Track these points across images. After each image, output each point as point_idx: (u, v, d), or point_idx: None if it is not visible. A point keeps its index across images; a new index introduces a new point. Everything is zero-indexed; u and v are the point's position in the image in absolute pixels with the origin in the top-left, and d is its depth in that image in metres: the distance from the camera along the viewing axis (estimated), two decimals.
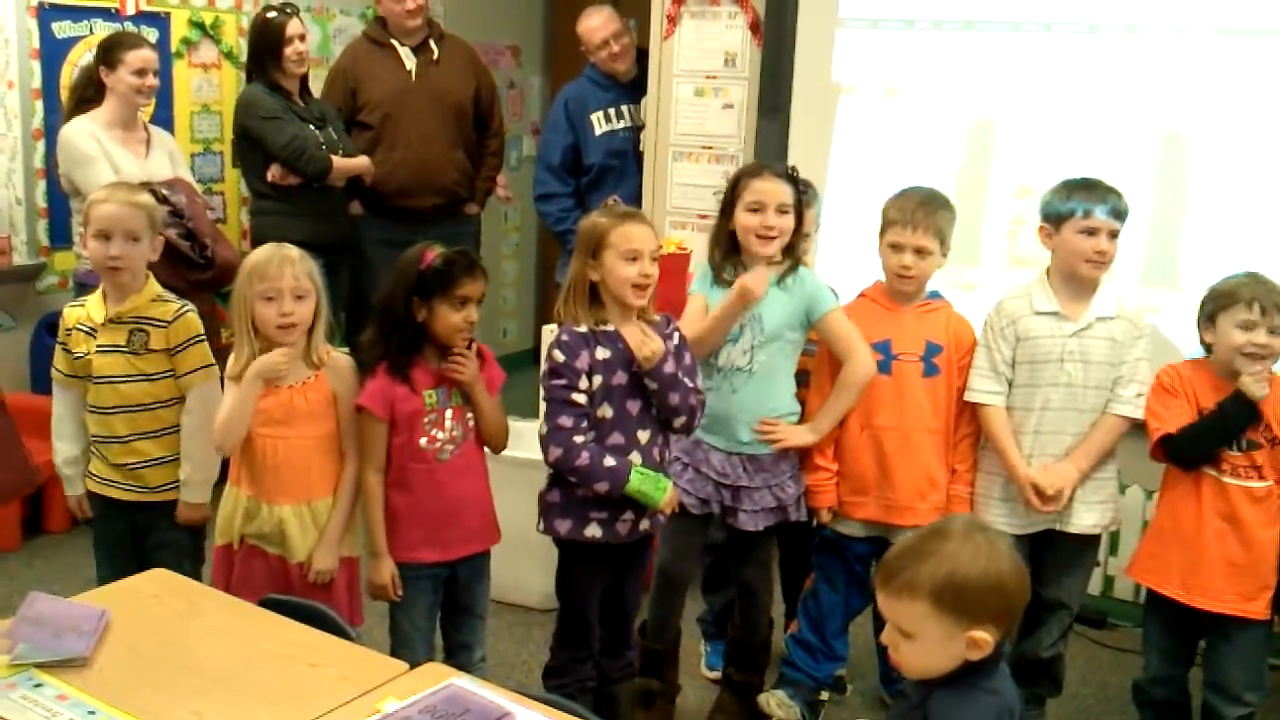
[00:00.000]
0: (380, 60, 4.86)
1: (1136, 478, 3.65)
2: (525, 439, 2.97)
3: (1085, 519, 3.00)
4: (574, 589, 2.86)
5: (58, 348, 2.97)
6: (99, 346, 2.90)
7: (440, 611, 2.87)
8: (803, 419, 3.04)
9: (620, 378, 2.69)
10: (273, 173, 4.54)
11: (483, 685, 2.01)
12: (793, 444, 2.99)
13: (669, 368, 2.70)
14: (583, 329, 2.69)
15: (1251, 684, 2.86)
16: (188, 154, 4.83)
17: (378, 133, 4.83)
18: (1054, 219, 2.95)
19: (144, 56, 4.07)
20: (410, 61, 4.86)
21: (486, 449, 2.85)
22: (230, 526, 2.74)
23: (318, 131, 4.59)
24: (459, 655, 2.88)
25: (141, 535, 3.02)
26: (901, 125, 4.14)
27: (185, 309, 2.95)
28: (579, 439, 2.66)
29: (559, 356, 2.67)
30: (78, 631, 2.09)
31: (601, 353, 2.68)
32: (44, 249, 4.59)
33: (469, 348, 2.73)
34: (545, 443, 2.69)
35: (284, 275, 2.64)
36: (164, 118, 4.79)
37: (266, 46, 4.52)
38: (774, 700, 3.18)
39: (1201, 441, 2.82)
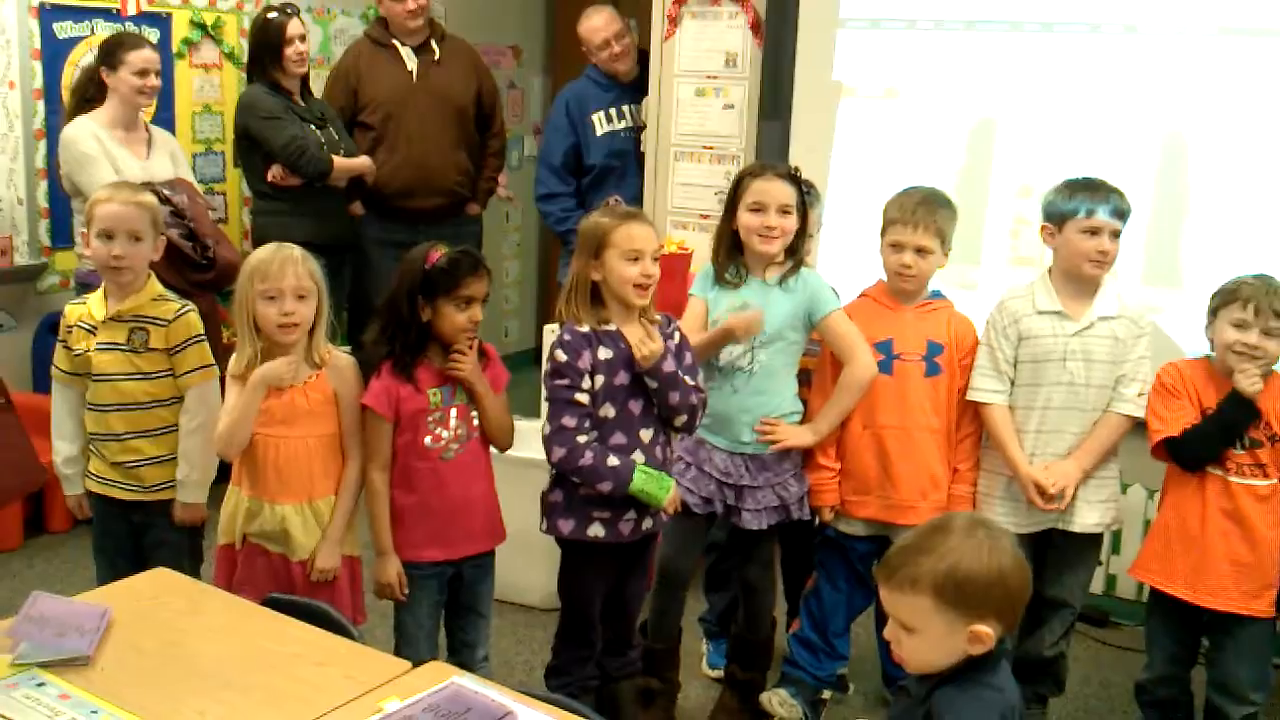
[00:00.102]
0: (382, 61, 4.87)
1: (1138, 477, 3.66)
2: (527, 438, 2.97)
3: (1088, 518, 3.00)
4: (576, 588, 2.86)
5: (58, 345, 2.98)
6: (99, 344, 2.90)
7: (444, 610, 2.87)
8: (805, 419, 3.04)
9: (622, 377, 2.69)
10: (274, 173, 4.54)
11: (485, 684, 2.01)
12: (792, 445, 2.99)
13: (668, 366, 2.70)
14: (584, 329, 2.69)
15: (1256, 683, 2.87)
16: (189, 154, 4.83)
17: (379, 133, 4.84)
18: (1056, 218, 2.95)
19: (145, 57, 4.08)
20: (412, 62, 4.87)
21: (492, 448, 2.85)
22: (232, 526, 2.75)
23: (318, 131, 4.59)
24: (462, 654, 2.88)
25: (139, 535, 3.02)
26: (902, 125, 4.14)
27: (186, 309, 2.95)
28: (582, 439, 2.66)
29: (561, 356, 2.67)
30: (80, 631, 2.09)
31: (603, 352, 2.68)
32: (45, 249, 4.59)
33: (473, 347, 2.73)
34: (549, 443, 2.69)
35: (285, 275, 2.64)
36: (165, 118, 4.79)
37: (267, 47, 4.52)
38: (776, 699, 3.18)
39: (1204, 444, 2.82)
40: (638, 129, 4.83)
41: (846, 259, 3.76)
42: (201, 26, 5.02)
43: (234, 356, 2.73)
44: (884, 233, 3.03)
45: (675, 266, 3.83)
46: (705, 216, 4.48)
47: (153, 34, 4.69)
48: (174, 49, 4.91)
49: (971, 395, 3.02)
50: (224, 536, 2.78)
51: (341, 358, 2.78)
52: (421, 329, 2.68)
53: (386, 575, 2.74)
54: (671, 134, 4.62)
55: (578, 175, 4.90)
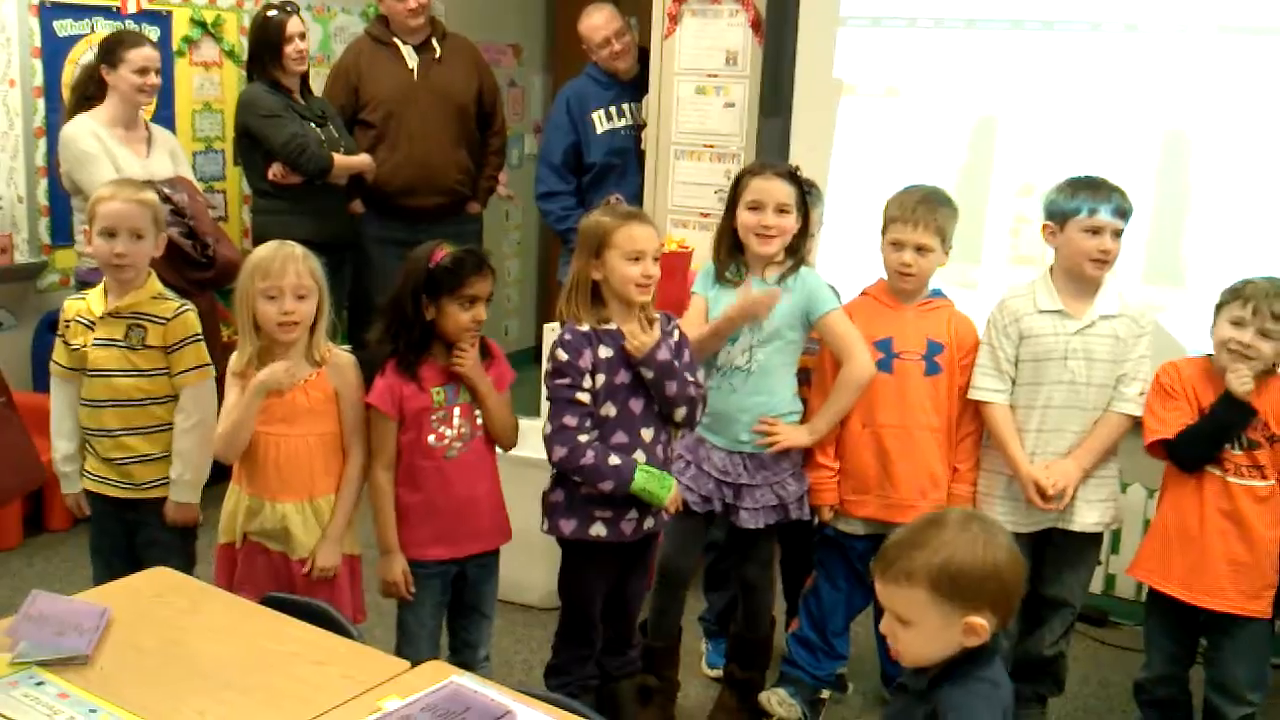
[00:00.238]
0: (383, 59, 4.86)
1: (1138, 476, 3.65)
2: (527, 437, 2.96)
3: (1087, 517, 2.99)
4: (577, 588, 2.86)
5: (57, 341, 2.98)
6: (96, 339, 2.90)
7: (447, 610, 2.87)
8: (805, 418, 3.03)
9: (623, 376, 2.69)
10: (274, 171, 4.54)
11: (484, 683, 2.01)
12: (790, 444, 2.99)
13: (663, 355, 2.69)
14: (585, 328, 2.69)
15: (1254, 683, 2.86)
16: (189, 152, 4.84)
17: (380, 131, 4.83)
18: (1058, 217, 2.95)
19: (145, 55, 4.08)
20: (413, 60, 4.86)
21: (498, 448, 2.85)
22: (233, 524, 2.75)
23: (318, 129, 4.59)
24: (464, 654, 2.88)
25: (133, 534, 3.02)
26: (903, 123, 4.14)
27: (184, 308, 2.95)
28: (583, 438, 2.66)
29: (562, 355, 2.67)
30: (79, 630, 2.09)
31: (604, 351, 2.68)
32: (45, 247, 4.59)
33: (479, 345, 2.73)
34: (550, 442, 2.69)
35: (286, 274, 2.64)
36: (165, 116, 4.79)
37: (267, 45, 4.52)
38: (775, 698, 3.18)
39: (1197, 445, 2.82)
40: (638, 127, 4.83)
41: (847, 257, 3.76)
42: (201, 24, 5.02)
43: (235, 354, 2.73)
44: (884, 231, 3.03)
45: (675, 265, 3.83)
46: (705, 215, 4.48)
47: (153, 32, 4.69)
48: (174, 47, 4.91)
49: (972, 394, 3.02)
50: (224, 535, 2.78)
51: (342, 356, 2.78)
52: (426, 328, 2.68)
53: (392, 574, 2.74)
54: (672, 132, 4.62)
55: (578, 174, 4.90)
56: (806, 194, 2.99)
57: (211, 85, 5.11)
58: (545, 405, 2.78)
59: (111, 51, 4.06)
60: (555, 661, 2.92)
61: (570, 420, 2.66)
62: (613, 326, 2.70)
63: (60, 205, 4.49)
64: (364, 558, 2.86)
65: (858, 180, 4.12)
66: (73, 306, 2.97)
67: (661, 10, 4.57)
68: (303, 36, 4.55)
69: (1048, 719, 3.25)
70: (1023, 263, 3.88)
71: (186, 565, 2.94)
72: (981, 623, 1.76)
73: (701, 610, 3.60)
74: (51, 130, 4.41)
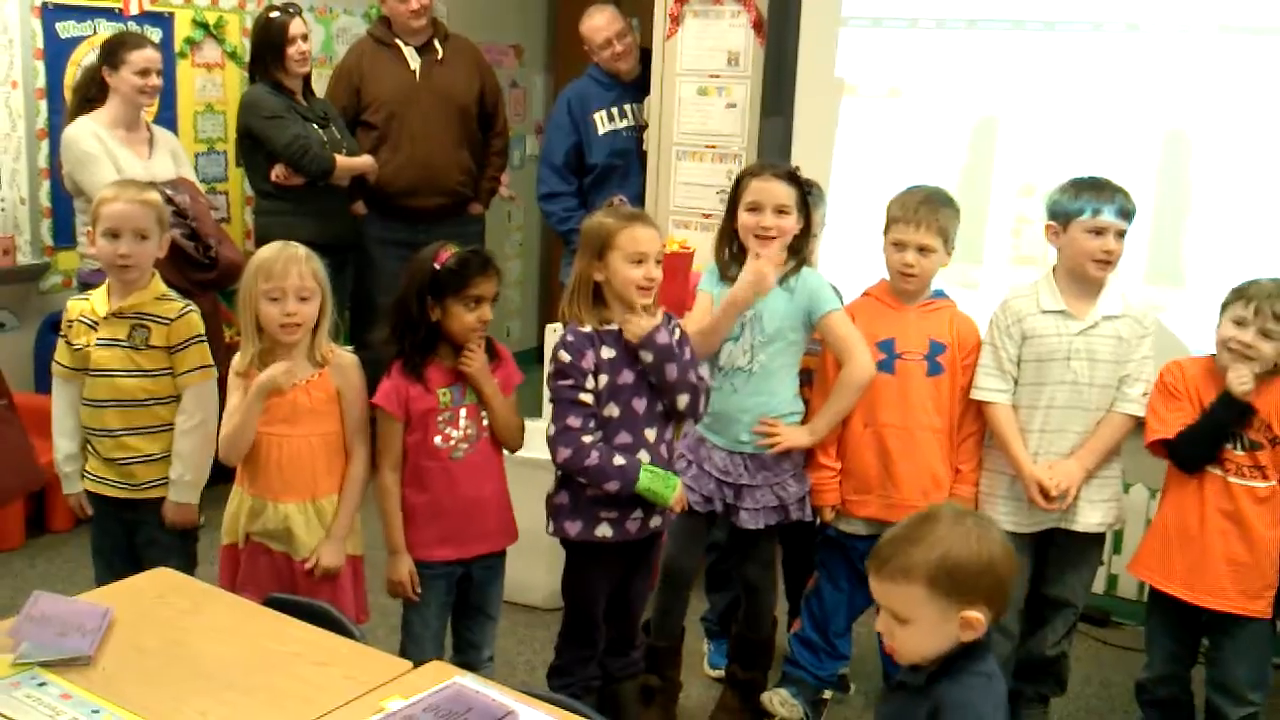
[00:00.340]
0: (385, 60, 4.87)
1: (1140, 476, 3.65)
2: (530, 438, 2.96)
3: (1090, 517, 2.99)
4: (582, 589, 2.86)
5: (60, 341, 2.98)
6: (99, 339, 2.90)
7: (452, 611, 2.87)
8: (807, 418, 3.03)
9: (626, 376, 2.69)
10: (277, 172, 4.54)
11: (486, 684, 2.01)
12: (790, 445, 2.99)
13: (662, 338, 2.68)
14: (587, 329, 2.69)
15: (1255, 683, 2.86)
16: (191, 154, 4.84)
17: (382, 132, 4.84)
18: (1061, 218, 2.95)
19: (147, 56, 4.08)
20: (415, 61, 4.87)
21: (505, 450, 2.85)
22: (236, 525, 2.75)
23: (320, 131, 4.60)
24: (467, 654, 2.89)
25: (133, 533, 3.02)
26: (904, 124, 4.14)
27: (188, 309, 2.95)
28: (587, 439, 2.66)
29: (564, 357, 2.67)
30: (81, 630, 2.09)
31: (606, 352, 2.68)
32: (48, 248, 4.60)
33: (486, 346, 2.73)
34: (554, 444, 2.69)
35: (289, 275, 2.65)
36: (167, 118, 4.80)
37: (269, 46, 4.52)
38: (777, 699, 3.18)
39: (1195, 444, 2.82)
40: (639, 128, 4.84)
41: (849, 258, 3.76)
42: (204, 26, 5.02)
43: (238, 355, 2.73)
44: (886, 231, 3.03)
45: (677, 265, 3.83)
46: (707, 216, 4.48)
47: (155, 33, 4.69)
48: (176, 48, 4.91)
49: (975, 394, 3.01)
50: (227, 536, 2.78)
51: (344, 356, 2.78)
52: (431, 329, 2.68)
53: (399, 574, 2.74)
54: (673, 133, 4.62)
55: (579, 174, 4.91)
56: (808, 194, 2.99)
57: (213, 87, 5.12)
58: (548, 406, 2.78)
59: (113, 53, 4.06)
60: (558, 662, 2.92)
61: (574, 421, 2.67)
62: (615, 327, 2.70)
63: (62, 207, 4.50)
64: (367, 558, 2.86)
65: (859, 180, 4.12)
66: (76, 306, 2.97)
67: (663, 11, 4.57)
68: (305, 38, 4.55)
69: (1050, 719, 3.25)
70: (1024, 263, 3.88)
71: (187, 565, 2.95)
72: (978, 616, 1.78)
73: (704, 611, 3.60)
74: (54, 132, 4.41)
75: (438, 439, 2.71)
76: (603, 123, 4.84)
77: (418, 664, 2.11)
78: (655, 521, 2.79)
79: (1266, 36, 3.61)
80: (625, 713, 2.99)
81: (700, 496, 2.98)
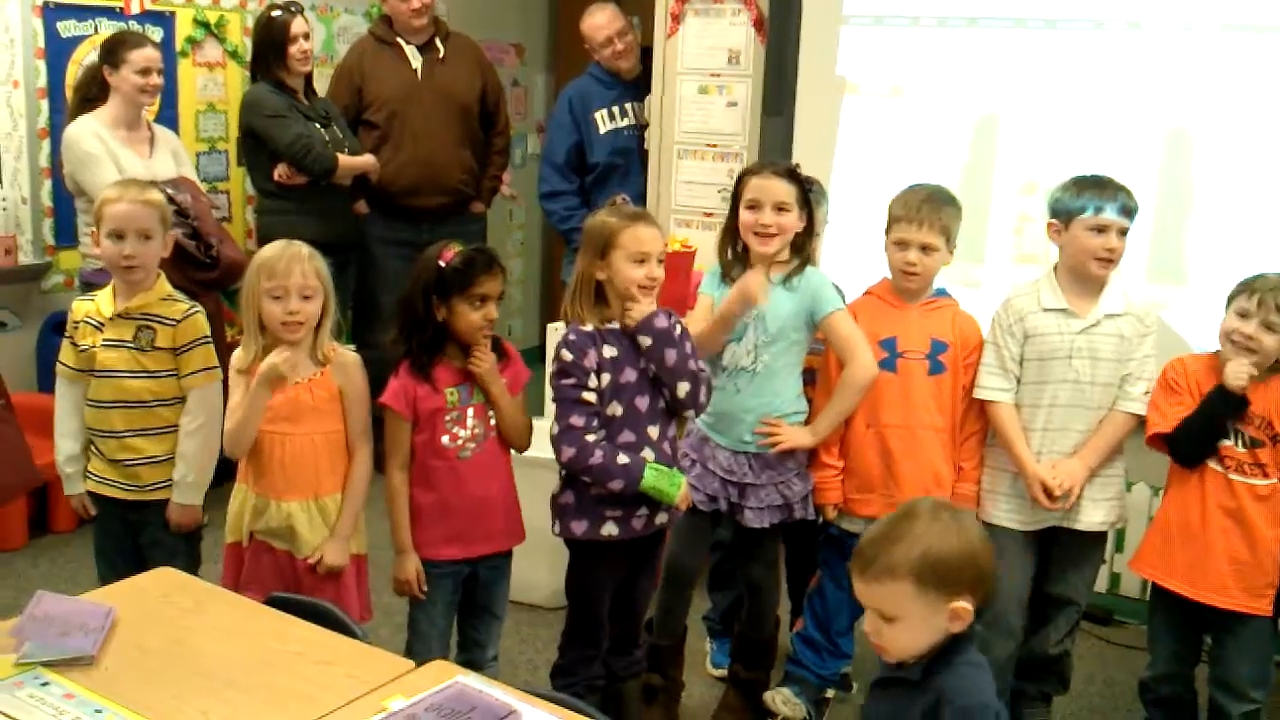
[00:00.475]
0: (386, 59, 4.87)
1: (1143, 474, 3.65)
2: (533, 438, 2.96)
3: (1093, 516, 2.99)
4: (586, 588, 2.86)
5: (65, 342, 2.97)
6: (105, 340, 2.90)
7: (458, 610, 2.87)
8: (810, 418, 3.03)
9: (629, 375, 2.69)
10: (280, 171, 4.54)
11: (489, 683, 2.01)
12: (791, 446, 2.98)
13: (661, 322, 2.68)
14: (589, 328, 2.69)
15: (1257, 680, 2.86)
16: (193, 153, 4.84)
17: (384, 131, 4.84)
18: (1063, 216, 2.94)
19: (148, 55, 4.08)
20: (416, 60, 4.87)
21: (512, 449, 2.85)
22: (239, 524, 2.75)
23: (322, 130, 4.60)
24: (471, 653, 2.89)
25: (136, 534, 3.02)
26: (906, 122, 4.13)
27: (194, 310, 2.95)
28: (591, 438, 2.66)
29: (567, 356, 2.67)
30: (84, 630, 2.09)
31: (609, 350, 2.68)
32: (49, 248, 4.60)
33: (495, 345, 2.73)
34: (557, 443, 2.69)
35: (292, 274, 2.65)
36: (169, 117, 4.80)
37: (271, 45, 4.53)
38: (780, 698, 3.18)
39: (1191, 436, 2.82)
40: (641, 127, 4.83)
41: (851, 256, 3.76)
42: (205, 25, 5.02)
43: (238, 351, 2.73)
44: (888, 230, 3.02)
45: (678, 264, 3.83)
46: (708, 214, 4.48)
47: (156, 33, 4.70)
48: (177, 47, 4.91)
49: (978, 393, 3.01)
50: (231, 534, 2.78)
51: (347, 355, 2.78)
52: (438, 328, 2.68)
53: (406, 573, 2.74)
54: (675, 132, 4.62)
55: (581, 173, 4.91)
56: (809, 192, 2.99)
57: (215, 86, 5.12)
58: (550, 405, 2.78)
59: (113, 52, 4.06)
60: (561, 662, 2.92)
61: (577, 420, 2.66)
62: (616, 326, 2.70)
63: (64, 206, 4.50)
64: (370, 558, 2.86)
65: (861, 179, 4.12)
66: (81, 308, 2.97)
67: (664, 9, 4.57)
68: (307, 37, 4.55)
69: (1053, 718, 3.25)
70: (1026, 261, 3.88)
71: (191, 565, 2.95)
72: (966, 606, 1.81)
73: (706, 610, 3.60)
74: (55, 131, 4.41)
75: (445, 438, 2.71)
76: (604, 121, 4.84)
77: (421, 663, 2.11)
78: (661, 518, 2.79)
79: (1268, 34, 3.61)
80: (628, 712, 2.99)
81: (705, 495, 2.98)
